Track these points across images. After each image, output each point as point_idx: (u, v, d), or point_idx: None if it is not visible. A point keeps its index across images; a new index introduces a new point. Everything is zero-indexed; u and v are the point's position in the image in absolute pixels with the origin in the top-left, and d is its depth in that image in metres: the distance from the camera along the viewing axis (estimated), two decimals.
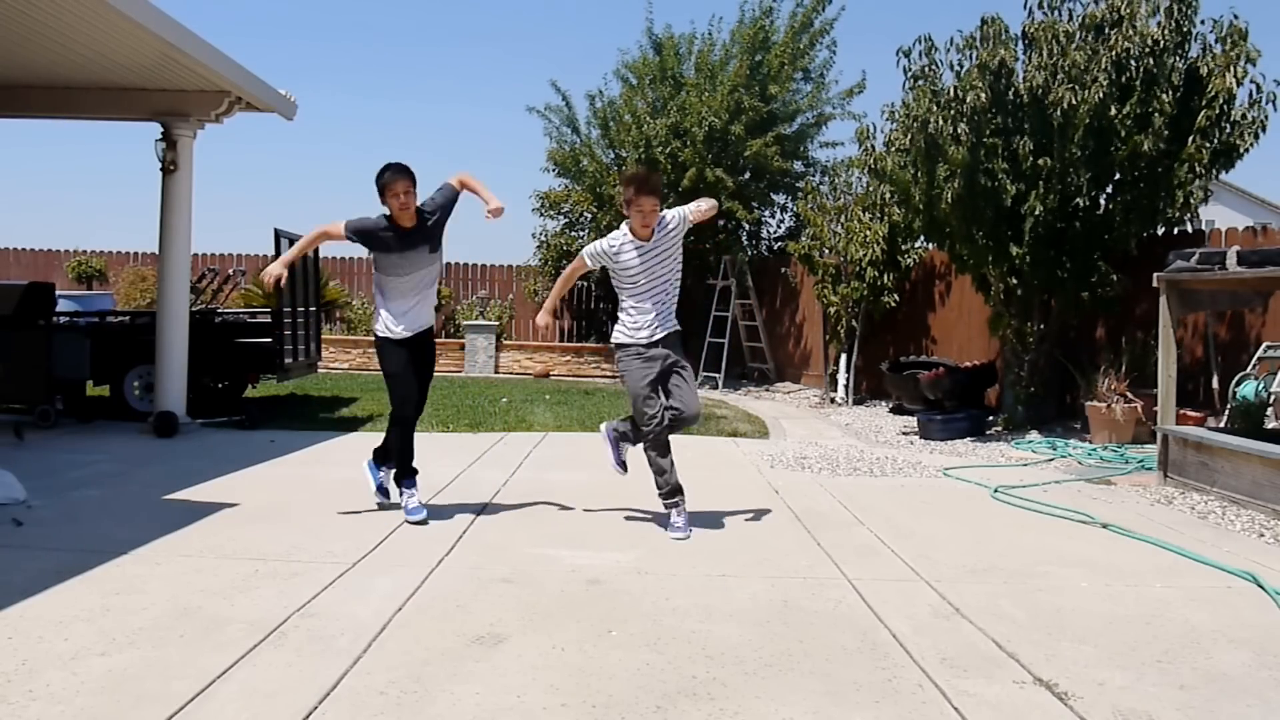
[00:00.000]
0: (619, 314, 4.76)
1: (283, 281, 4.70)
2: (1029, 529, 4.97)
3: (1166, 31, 7.68)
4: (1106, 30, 7.86)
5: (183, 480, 5.65)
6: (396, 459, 4.98)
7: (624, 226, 4.67)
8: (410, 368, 4.87)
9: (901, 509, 5.40)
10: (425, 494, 5.41)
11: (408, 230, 4.73)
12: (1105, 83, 7.59)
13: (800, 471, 6.62)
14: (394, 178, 4.68)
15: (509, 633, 3.17)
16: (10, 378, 7.88)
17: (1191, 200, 7.90)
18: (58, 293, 9.09)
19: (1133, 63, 7.70)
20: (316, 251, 9.88)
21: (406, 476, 4.93)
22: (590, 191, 15.23)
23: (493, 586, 3.69)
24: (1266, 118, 7.73)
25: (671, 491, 4.68)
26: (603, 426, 5.07)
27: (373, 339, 5.10)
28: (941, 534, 4.78)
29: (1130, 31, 7.69)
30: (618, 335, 4.73)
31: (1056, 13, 8.23)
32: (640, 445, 4.80)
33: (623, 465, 4.95)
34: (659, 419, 4.59)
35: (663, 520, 4.75)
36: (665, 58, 14.49)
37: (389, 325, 4.83)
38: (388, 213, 4.73)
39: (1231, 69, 7.58)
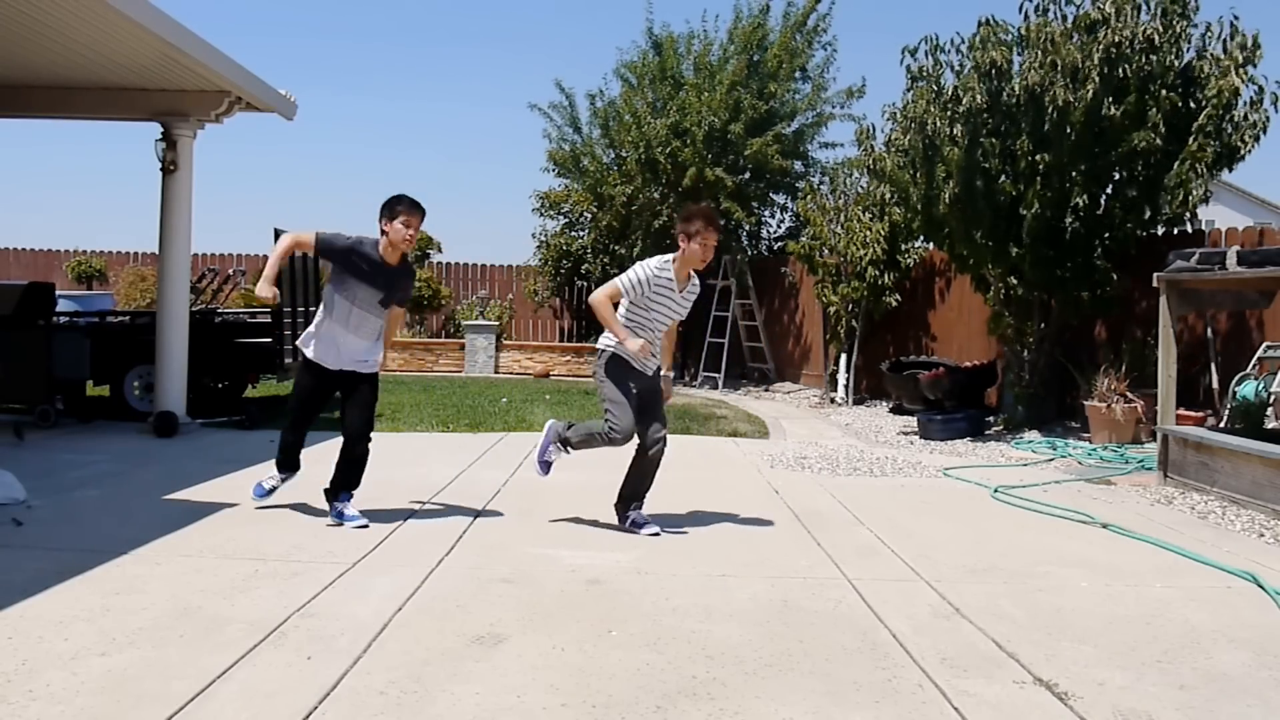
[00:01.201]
0: (618, 329, 4.63)
1: (277, 297, 4.62)
2: (1029, 529, 4.97)
3: (1160, 29, 7.66)
4: (1098, 30, 7.85)
5: (183, 480, 5.65)
6: (286, 465, 4.90)
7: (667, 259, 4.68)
8: (318, 399, 4.79)
9: (901, 509, 5.40)
10: (425, 494, 5.43)
11: (388, 267, 4.65)
12: (1098, 80, 7.59)
13: (800, 471, 6.62)
14: (411, 210, 4.60)
15: (509, 633, 3.17)
16: (10, 378, 7.88)
17: (1191, 198, 7.90)
18: (58, 293, 9.09)
19: (1126, 62, 7.69)
20: None
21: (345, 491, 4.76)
22: (590, 191, 15.23)
23: (493, 586, 3.69)
24: (1267, 119, 7.73)
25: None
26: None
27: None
28: (941, 534, 4.78)
29: (1119, 25, 7.68)
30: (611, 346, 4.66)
31: (1050, 13, 8.23)
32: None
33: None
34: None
35: (664, 521, 4.76)
36: (665, 57, 14.49)
37: (316, 349, 4.65)
38: (378, 241, 4.62)
39: (1235, 70, 7.57)
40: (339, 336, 4.65)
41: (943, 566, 4.13)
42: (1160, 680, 2.88)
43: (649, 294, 4.57)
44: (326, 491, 4.77)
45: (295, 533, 4.46)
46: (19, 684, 2.64)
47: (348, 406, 4.74)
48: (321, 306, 4.74)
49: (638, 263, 4.68)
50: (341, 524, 4.62)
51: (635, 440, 4.64)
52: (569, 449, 4.84)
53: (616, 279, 4.65)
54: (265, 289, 4.51)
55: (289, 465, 4.95)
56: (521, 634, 3.16)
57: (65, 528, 4.49)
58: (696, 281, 4.73)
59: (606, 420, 4.60)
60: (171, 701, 2.55)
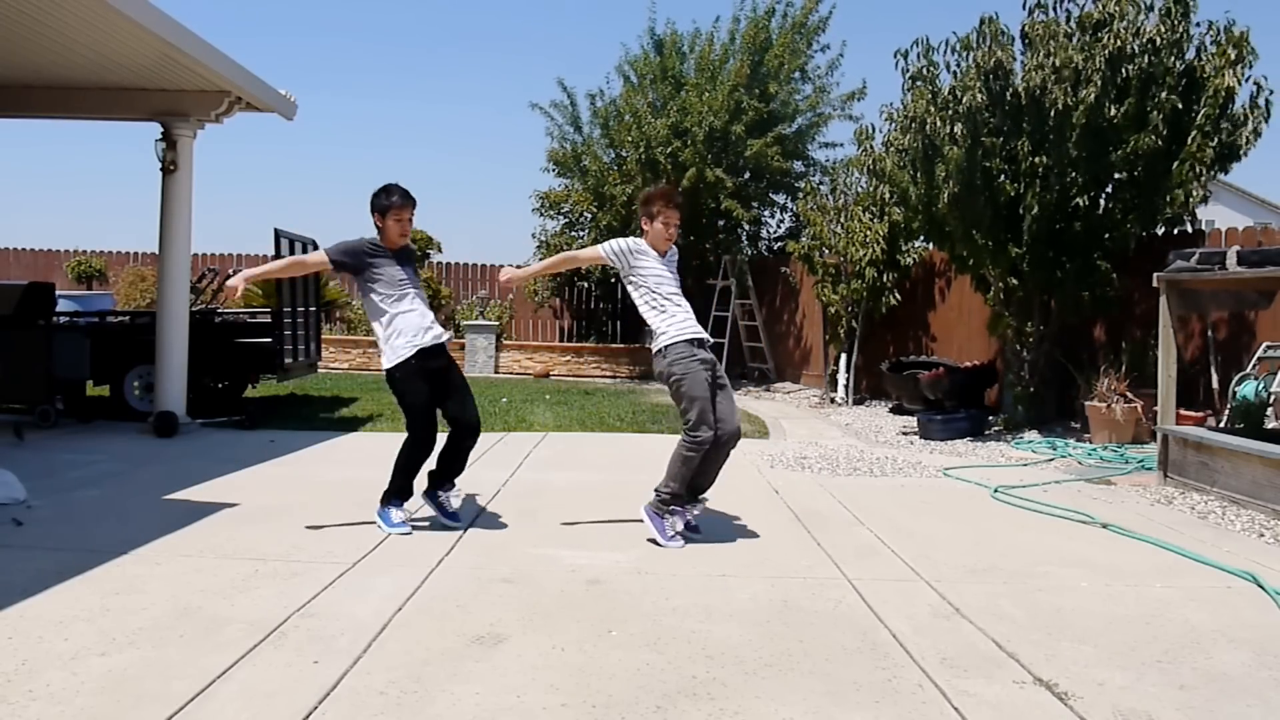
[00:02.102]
0: (653, 316, 4.47)
1: (238, 294, 4.55)
2: (1029, 529, 4.97)
3: (1162, 30, 7.66)
4: (1101, 31, 7.85)
5: (183, 480, 5.65)
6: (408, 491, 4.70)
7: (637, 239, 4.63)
8: (432, 397, 4.60)
9: (901, 509, 5.40)
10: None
11: (396, 250, 4.66)
12: (1100, 82, 7.58)
13: (800, 471, 6.62)
14: (404, 203, 4.59)
15: (509, 633, 3.17)
16: (10, 378, 7.88)
17: (1191, 199, 7.89)
18: (58, 293, 9.09)
19: (1129, 63, 7.68)
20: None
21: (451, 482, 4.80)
22: (591, 191, 15.23)
23: (493, 586, 3.69)
24: (1266, 119, 7.73)
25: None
26: (644, 508, 4.46)
27: (373, 339, 5.01)
28: (941, 534, 4.78)
29: (1122, 29, 7.67)
30: (669, 334, 4.38)
31: (1054, 12, 8.23)
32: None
33: (682, 535, 4.42)
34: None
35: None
36: (666, 57, 14.50)
37: (406, 343, 4.49)
38: (376, 239, 4.62)
39: (1231, 69, 7.57)
40: (410, 318, 4.54)
41: (943, 566, 4.13)
42: (1160, 680, 2.88)
43: (637, 262, 4.50)
44: (426, 478, 4.71)
45: (295, 533, 4.46)
46: (19, 684, 2.64)
47: (452, 394, 4.65)
48: (378, 322, 4.57)
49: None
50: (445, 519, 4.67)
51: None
52: (678, 503, 4.42)
53: (597, 246, 4.62)
54: (238, 280, 4.50)
55: (410, 490, 4.68)
56: (521, 634, 3.17)
57: (65, 528, 4.49)
58: (674, 249, 4.70)
59: (685, 425, 4.34)
60: (171, 701, 2.55)
